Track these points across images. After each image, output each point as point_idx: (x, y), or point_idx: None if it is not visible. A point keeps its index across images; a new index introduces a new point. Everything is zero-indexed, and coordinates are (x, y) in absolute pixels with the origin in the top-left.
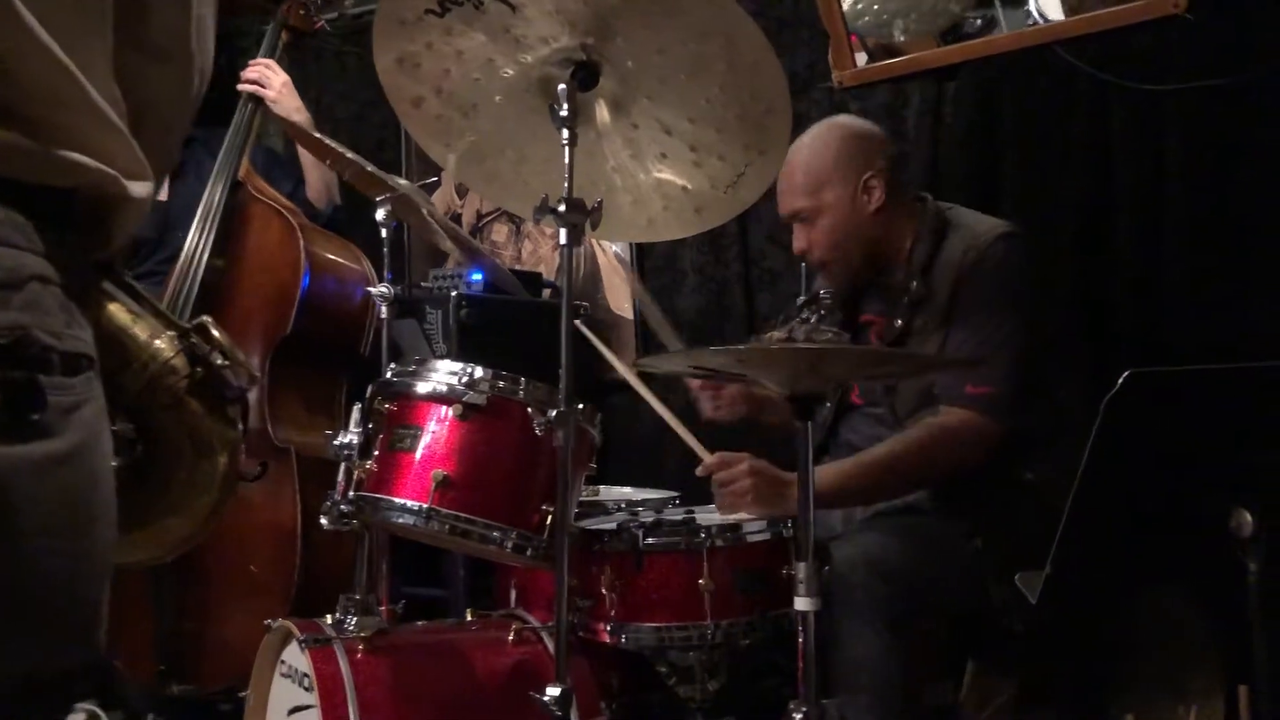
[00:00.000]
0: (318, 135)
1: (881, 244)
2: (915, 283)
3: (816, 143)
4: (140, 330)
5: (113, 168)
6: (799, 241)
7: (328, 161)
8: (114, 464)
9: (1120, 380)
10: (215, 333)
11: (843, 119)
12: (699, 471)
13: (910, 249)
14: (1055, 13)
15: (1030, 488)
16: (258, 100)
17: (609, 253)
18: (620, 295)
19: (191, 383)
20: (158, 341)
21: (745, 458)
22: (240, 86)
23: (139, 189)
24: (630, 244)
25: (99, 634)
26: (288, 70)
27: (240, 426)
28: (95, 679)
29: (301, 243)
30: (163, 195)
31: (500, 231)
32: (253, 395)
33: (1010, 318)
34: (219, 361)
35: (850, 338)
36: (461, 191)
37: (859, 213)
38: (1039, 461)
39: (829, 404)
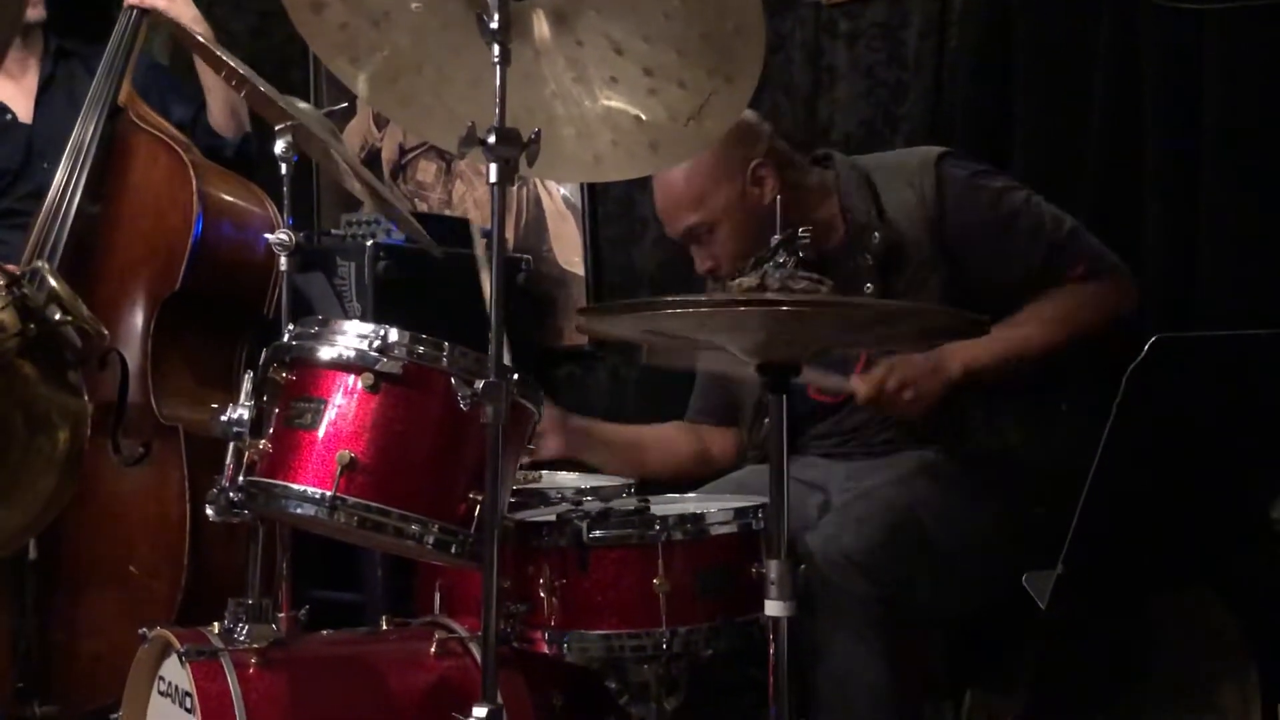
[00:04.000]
0: (218, 50)
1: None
2: (876, 234)
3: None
4: None
5: None
6: (702, 262)
7: (232, 81)
8: None
9: (1146, 347)
10: (53, 282)
11: None
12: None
13: (841, 211)
14: None
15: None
16: (143, 10)
17: (556, 197)
18: (570, 247)
19: (23, 342)
20: None
21: (882, 375)
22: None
23: None
24: (580, 187)
25: None
26: None
27: (85, 395)
28: None
29: (194, 182)
30: (25, 117)
31: (427, 170)
32: (134, 364)
33: (1029, 213)
34: (58, 317)
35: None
36: (381, 122)
37: (756, 208)
38: (1022, 420)
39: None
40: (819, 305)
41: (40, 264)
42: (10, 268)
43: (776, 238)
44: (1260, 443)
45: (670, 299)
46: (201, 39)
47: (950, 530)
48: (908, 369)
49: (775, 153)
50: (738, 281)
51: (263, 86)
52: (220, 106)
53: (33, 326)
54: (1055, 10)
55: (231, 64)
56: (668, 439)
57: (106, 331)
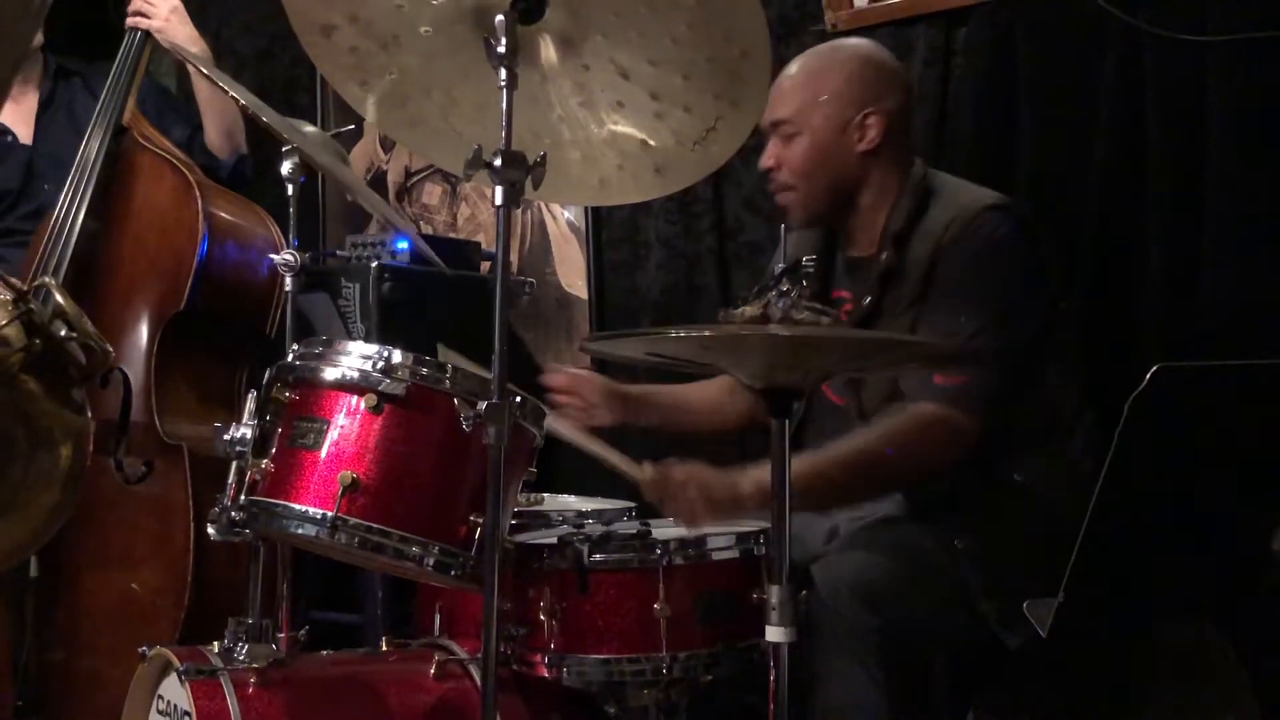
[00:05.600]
0: (211, 73)
1: (855, 192)
2: (886, 253)
3: (829, 55)
4: None
5: None
6: (768, 156)
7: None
8: None
9: (1148, 376)
10: (60, 298)
11: (868, 43)
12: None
13: (888, 215)
14: None
15: (1019, 490)
16: (148, 32)
17: (561, 221)
18: (573, 270)
19: (28, 357)
20: None
21: (674, 468)
22: (128, 21)
23: None
24: (585, 210)
25: None
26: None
27: (88, 412)
28: None
29: (199, 202)
30: (25, 138)
31: (433, 193)
32: (137, 382)
33: (991, 301)
34: (63, 333)
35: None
36: (387, 145)
37: (844, 147)
38: (1029, 462)
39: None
40: (806, 339)
41: (47, 280)
42: (15, 283)
43: (780, 266)
44: (1261, 473)
45: (673, 330)
46: (198, 61)
47: (956, 561)
48: (702, 474)
49: (892, 118)
50: (740, 310)
51: (266, 116)
52: (216, 128)
53: (38, 342)
54: (1059, 40)
55: (233, 92)
56: (714, 403)
57: (111, 348)
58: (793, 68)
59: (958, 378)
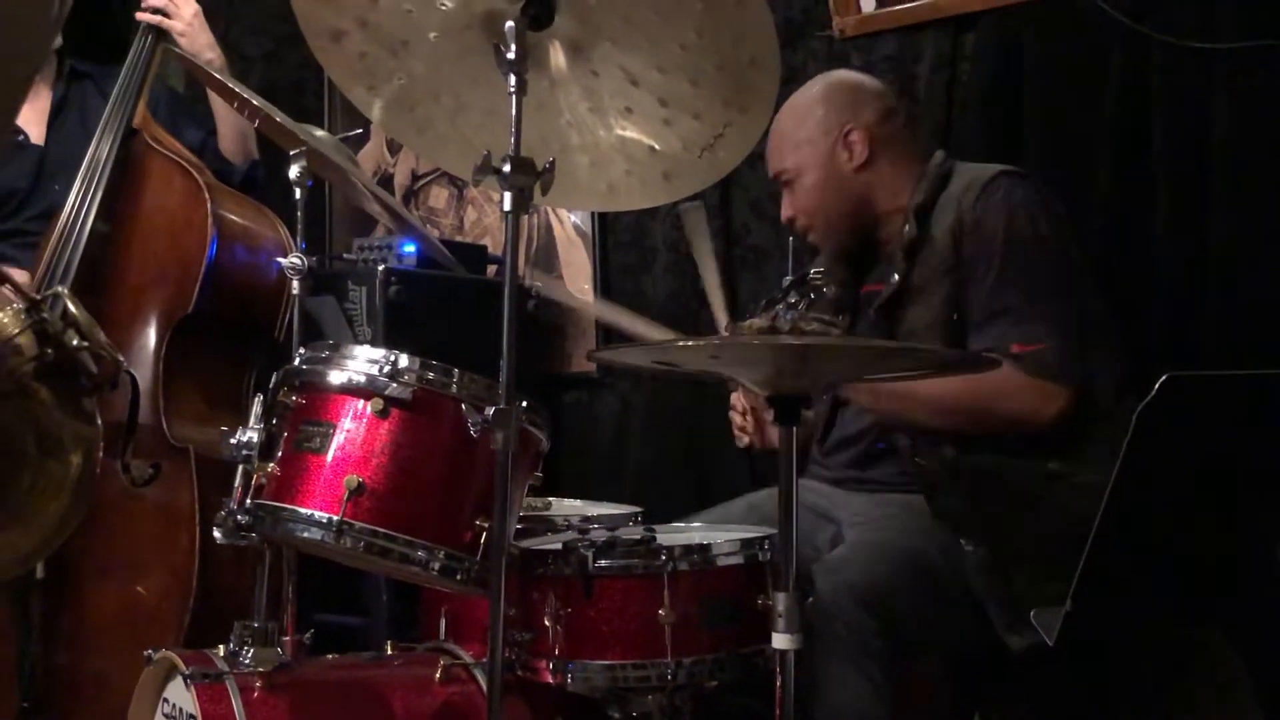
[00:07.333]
0: (225, 80)
1: (868, 205)
2: (908, 226)
3: (800, 97)
4: None
5: None
6: (785, 207)
7: (245, 111)
8: None
9: (1157, 385)
10: (72, 307)
11: (837, 72)
12: None
13: (908, 205)
14: None
15: (1054, 479)
16: (160, 32)
17: (567, 225)
18: (579, 274)
19: (40, 366)
20: None
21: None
22: (140, 15)
23: None
24: (591, 214)
25: None
26: None
27: (98, 422)
28: None
29: (209, 204)
30: (37, 139)
31: (439, 196)
32: (145, 385)
33: (1039, 257)
34: (75, 342)
35: (850, 317)
36: (394, 148)
37: (837, 170)
38: (1066, 452)
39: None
40: (814, 348)
41: (60, 289)
42: (21, 275)
43: (788, 279)
44: (1267, 482)
45: (678, 340)
46: (215, 73)
47: (960, 566)
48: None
49: (875, 126)
50: (749, 322)
51: (279, 117)
52: (231, 133)
53: (50, 351)
54: (1065, 46)
55: (244, 95)
56: None
57: (123, 358)
58: (778, 119)
59: (1037, 343)
